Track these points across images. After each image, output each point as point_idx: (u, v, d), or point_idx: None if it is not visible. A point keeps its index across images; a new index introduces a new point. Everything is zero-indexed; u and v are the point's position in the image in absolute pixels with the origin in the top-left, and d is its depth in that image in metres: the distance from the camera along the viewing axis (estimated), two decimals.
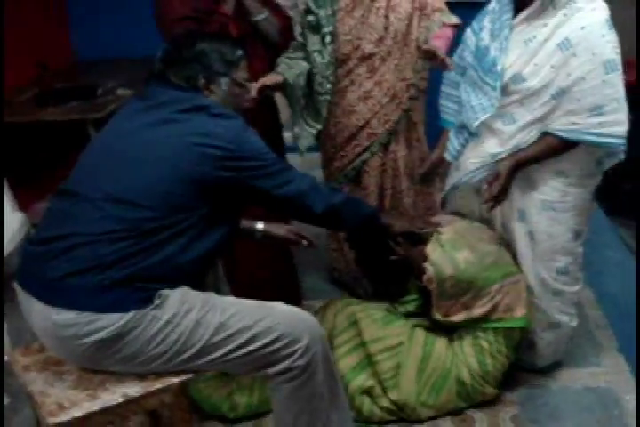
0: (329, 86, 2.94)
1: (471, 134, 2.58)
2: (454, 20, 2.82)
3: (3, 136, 3.00)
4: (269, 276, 3.12)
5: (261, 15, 2.82)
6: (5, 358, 2.39)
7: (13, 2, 3.75)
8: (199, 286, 2.09)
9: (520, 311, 2.56)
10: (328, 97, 2.96)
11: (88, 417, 1.91)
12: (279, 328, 2.05)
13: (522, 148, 2.44)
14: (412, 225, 2.61)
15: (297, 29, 2.93)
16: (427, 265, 2.54)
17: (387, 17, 2.82)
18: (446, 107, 2.79)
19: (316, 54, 2.89)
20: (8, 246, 2.71)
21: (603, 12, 2.29)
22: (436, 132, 2.94)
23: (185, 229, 1.98)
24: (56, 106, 3.71)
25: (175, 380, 2.02)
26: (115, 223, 1.92)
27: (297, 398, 2.12)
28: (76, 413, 1.90)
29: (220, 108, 2.10)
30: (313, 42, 2.89)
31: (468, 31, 2.62)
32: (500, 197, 2.42)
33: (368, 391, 2.59)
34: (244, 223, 2.41)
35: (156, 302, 1.93)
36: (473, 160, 2.58)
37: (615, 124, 2.31)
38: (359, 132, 2.99)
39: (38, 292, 1.94)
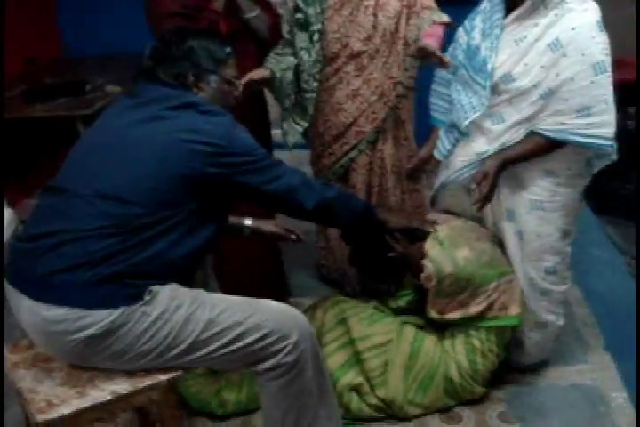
0: (315, 84, 2.93)
1: (461, 133, 2.59)
2: (445, 18, 2.82)
3: (3, 135, 2.99)
4: (257, 272, 3.12)
5: (253, 13, 2.81)
6: None
7: None
8: (188, 282, 2.09)
9: (514, 310, 2.57)
10: (314, 95, 2.96)
11: (77, 414, 1.91)
12: (268, 325, 2.05)
13: (508, 146, 2.45)
14: (410, 222, 2.60)
15: (285, 27, 2.93)
16: (426, 262, 2.54)
17: (375, 15, 2.82)
18: (437, 105, 2.79)
19: (303, 52, 2.88)
20: None
21: (594, 13, 2.29)
22: (425, 130, 2.95)
23: (174, 225, 1.97)
24: (44, 102, 3.70)
25: (164, 377, 2.02)
26: (104, 219, 1.92)
27: (286, 394, 2.12)
28: (65, 410, 1.90)
29: (209, 106, 2.10)
30: (301, 39, 2.89)
31: (460, 30, 2.63)
32: (488, 196, 2.43)
33: (356, 389, 2.59)
34: (232, 220, 2.41)
35: (146, 298, 1.93)
36: (461, 159, 2.59)
37: (603, 126, 2.32)
38: (347, 130, 2.99)
39: (27, 288, 1.93)
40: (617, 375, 2.82)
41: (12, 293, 1.99)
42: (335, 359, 2.60)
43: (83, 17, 4.66)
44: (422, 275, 2.54)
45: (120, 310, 1.90)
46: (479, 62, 2.42)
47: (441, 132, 2.72)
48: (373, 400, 2.59)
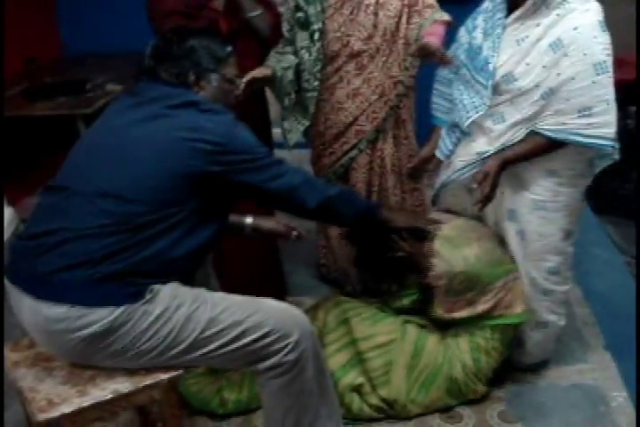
0: (316, 83, 2.93)
1: (463, 133, 2.59)
2: (446, 16, 2.82)
3: (3, 134, 2.99)
4: (256, 271, 3.13)
5: (255, 12, 2.82)
6: None
7: None
8: (189, 281, 2.09)
9: (519, 308, 2.57)
10: (315, 94, 2.96)
11: (78, 413, 1.91)
12: (269, 323, 2.06)
13: (508, 146, 2.45)
14: (415, 221, 2.58)
15: (285, 26, 2.93)
16: (436, 261, 2.52)
17: (376, 14, 2.82)
18: (438, 104, 2.79)
19: (303, 51, 2.88)
20: None
21: (596, 13, 2.29)
22: (426, 130, 2.95)
23: (176, 223, 1.97)
24: (45, 101, 3.70)
25: (165, 376, 2.02)
26: (105, 218, 1.92)
27: (286, 393, 2.12)
28: (66, 409, 1.90)
29: (210, 104, 2.10)
30: (302, 38, 2.88)
31: (462, 29, 2.62)
32: (489, 196, 2.43)
33: (358, 389, 2.59)
34: (233, 218, 2.40)
35: (147, 296, 1.93)
36: (461, 158, 2.59)
37: (604, 126, 2.31)
38: (347, 129, 2.99)
39: (29, 287, 1.93)
40: (617, 375, 2.82)
41: (13, 291, 1.99)
42: (336, 360, 2.60)
43: (83, 16, 4.66)
44: (431, 274, 2.53)
45: (121, 309, 1.90)
46: (481, 62, 2.42)
47: (443, 132, 2.72)
48: (374, 400, 2.59)
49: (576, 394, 2.73)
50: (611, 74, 2.27)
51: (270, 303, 2.15)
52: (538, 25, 2.31)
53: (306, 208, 2.19)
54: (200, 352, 2.01)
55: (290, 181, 2.13)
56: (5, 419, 2.50)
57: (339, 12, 2.84)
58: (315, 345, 2.16)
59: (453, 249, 2.53)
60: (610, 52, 2.27)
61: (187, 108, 2.04)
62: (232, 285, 2.93)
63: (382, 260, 2.65)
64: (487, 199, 2.42)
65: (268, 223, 2.52)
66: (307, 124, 3.04)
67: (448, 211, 2.82)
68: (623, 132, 2.39)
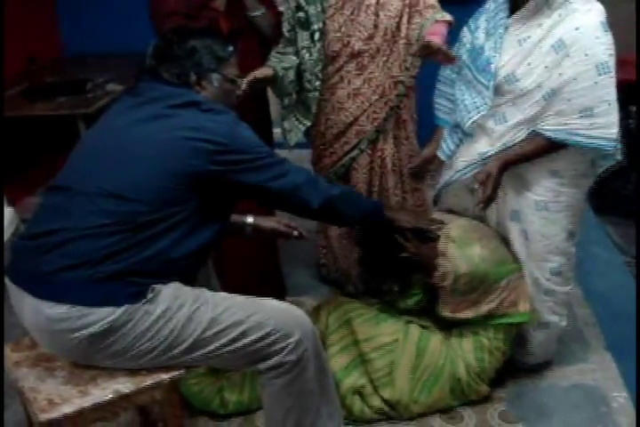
0: (318, 83, 2.93)
1: (465, 134, 2.59)
2: (447, 16, 2.81)
3: (3, 134, 2.99)
4: (255, 270, 3.13)
5: (258, 11, 2.82)
6: None
7: None
8: (191, 281, 2.09)
9: (523, 306, 2.57)
10: (317, 94, 2.96)
11: (79, 413, 1.91)
12: (270, 323, 2.06)
13: (510, 146, 2.45)
14: (420, 222, 2.57)
15: (285, 26, 2.93)
16: (442, 261, 2.51)
17: (377, 14, 2.81)
18: (441, 105, 2.78)
19: (304, 51, 2.88)
20: None
21: (598, 13, 2.28)
22: (427, 130, 2.94)
23: (177, 223, 1.97)
24: (45, 101, 3.70)
25: (166, 376, 2.01)
26: (106, 217, 1.92)
27: (287, 393, 2.12)
28: (67, 409, 1.90)
29: (212, 104, 2.10)
30: (302, 38, 2.88)
31: (464, 29, 2.62)
32: (491, 197, 2.43)
33: (359, 391, 2.58)
34: (233, 218, 2.39)
35: (149, 296, 1.93)
36: (463, 159, 2.59)
37: (605, 127, 2.31)
38: (348, 130, 2.99)
39: (30, 286, 1.93)
40: (618, 375, 2.82)
41: (14, 291, 1.99)
42: (338, 362, 2.59)
43: (83, 16, 4.66)
44: (437, 274, 2.52)
45: (123, 308, 1.90)
46: (483, 62, 2.42)
47: (445, 133, 2.72)
48: (376, 402, 2.58)
49: (577, 395, 2.73)
50: (613, 74, 2.27)
51: (272, 303, 2.15)
52: (540, 25, 2.31)
53: (309, 208, 2.18)
54: (201, 352, 2.01)
55: (292, 181, 2.13)
56: (5, 419, 2.49)
57: (339, 13, 2.84)
58: (316, 345, 2.16)
59: (458, 249, 2.53)
60: (612, 52, 2.27)
61: (188, 107, 2.05)
62: (232, 284, 2.93)
63: (387, 260, 2.64)
64: (489, 200, 2.42)
65: (268, 223, 2.52)
66: (308, 124, 3.04)
67: (449, 211, 2.81)
68: (624, 133, 2.39)
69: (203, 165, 1.98)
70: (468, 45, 2.56)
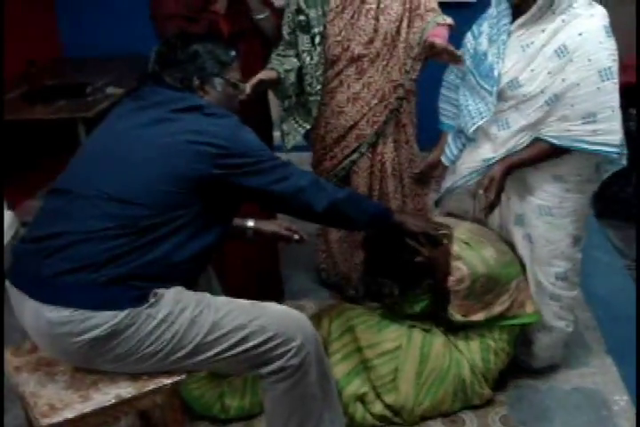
0: (319, 87, 2.93)
1: (468, 139, 2.58)
2: (448, 20, 2.82)
3: (3, 137, 2.99)
4: (254, 272, 3.13)
5: (262, 14, 2.83)
6: None
7: None
8: (192, 285, 2.09)
9: (530, 307, 2.58)
10: (318, 97, 2.96)
11: (80, 418, 1.90)
12: (272, 328, 2.05)
13: (513, 152, 2.44)
14: (429, 226, 2.55)
15: (285, 29, 2.92)
16: (458, 264, 2.49)
17: (377, 19, 2.81)
18: (445, 110, 2.78)
19: (305, 54, 2.88)
20: None
21: (601, 18, 2.28)
22: (427, 134, 2.94)
23: (180, 227, 1.97)
24: (45, 104, 3.70)
25: (168, 381, 2.01)
26: (108, 221, 1.92)
27: (289, 398, 2.11)
28: (69, 414, 1.89)
29: (215, 108, 2.10)
30: (303, 42, 2.88)
31: (468, 35, 2.62)
32: (494, 203, 2.42)
33: (361, 398, 2.57)
34: (235, 221, 2.40)
35: (151, 300, 1.93)
36: (467, 165, 2.59)
37: (608, 133, 2.30)
38: (348, 133, 2.99)
39: (31, 290, 1.92)
40: (619, 379, 2.82)
41: (15, 294, 1.99)
42: (340, 369, 2.58)
43: (83, 17, 4.65)
44: (452, 278, 2.49)
45: (125, 312, 1.89)
46: (486, 68, 2.41)
47: (449, 138, 2.71)
48: (378, 409, 2.57)
49: (578, 398, 2.73)
50: (616, 80, 2.27)
51: (274, 307, 2.14)
52: (543, 31, 2.31)
53: (313, 211, 2.17)
54: (203, 356, 2.00)
55: (295, 184, 2.12)
56: (5, 423, 2.49)
57: (339, 17, 2.84)
58: (318, 349, 2.15)
59: (472, 252, 2.52)
60: (616, 57, 2.27)
61: (191, 111, 2.05)
62: (231, 285, 2.92)
63: (394, 264, 2.63)
64: (492, 206, 2.42)
65: (269, 227, 2.52)
66: (308, 127, 3.04)
67: (450, 214, 2.81)
68: (624, 135, 2.38)
69: (205, 169, 1.97)
70: (471, 51, 2.55)
